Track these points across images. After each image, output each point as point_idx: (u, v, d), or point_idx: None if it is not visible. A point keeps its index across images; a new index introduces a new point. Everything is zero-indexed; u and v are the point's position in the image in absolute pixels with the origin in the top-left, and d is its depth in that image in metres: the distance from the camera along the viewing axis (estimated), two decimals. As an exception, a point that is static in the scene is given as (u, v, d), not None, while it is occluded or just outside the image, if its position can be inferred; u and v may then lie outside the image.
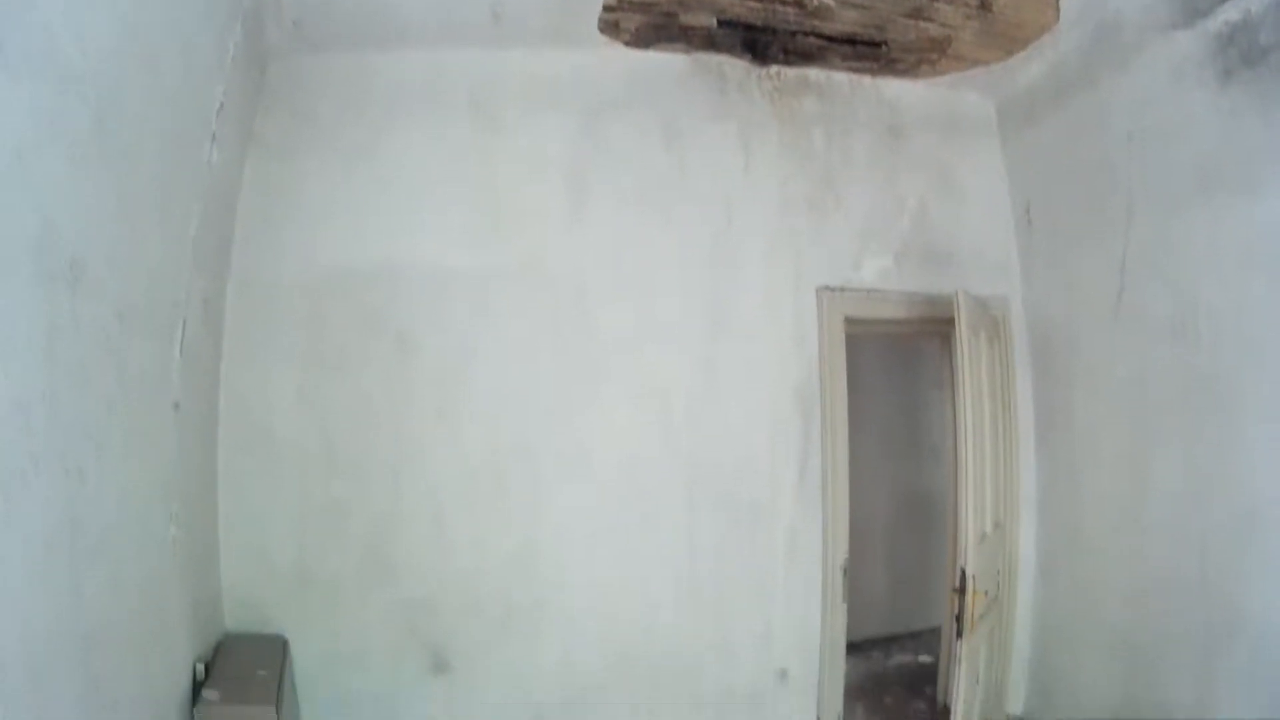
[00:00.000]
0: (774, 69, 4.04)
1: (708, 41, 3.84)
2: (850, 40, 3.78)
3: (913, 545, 5.89)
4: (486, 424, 3.66)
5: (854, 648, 4.64)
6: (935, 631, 5.01)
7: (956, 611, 3.47)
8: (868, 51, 3.89)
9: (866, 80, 4.19)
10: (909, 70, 4.11)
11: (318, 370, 3.52)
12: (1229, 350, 3.14)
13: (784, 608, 3.99)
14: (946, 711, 3.85)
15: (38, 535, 1.79)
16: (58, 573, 1.87)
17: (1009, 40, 3.76)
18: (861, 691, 4.95)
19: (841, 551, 4.03)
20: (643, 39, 3.79)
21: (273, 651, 3.21)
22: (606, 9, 3.50)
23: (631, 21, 3.62)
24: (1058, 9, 3.46)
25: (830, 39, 3.78)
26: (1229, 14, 2.97)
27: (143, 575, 2.43)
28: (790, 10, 3.52)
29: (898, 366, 6.01)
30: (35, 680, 1.73)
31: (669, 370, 3.87)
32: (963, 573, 3.43)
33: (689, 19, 3.61)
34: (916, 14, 3.52)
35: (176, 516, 2.73)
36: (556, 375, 3.73)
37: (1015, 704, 4.26)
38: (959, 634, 3.45)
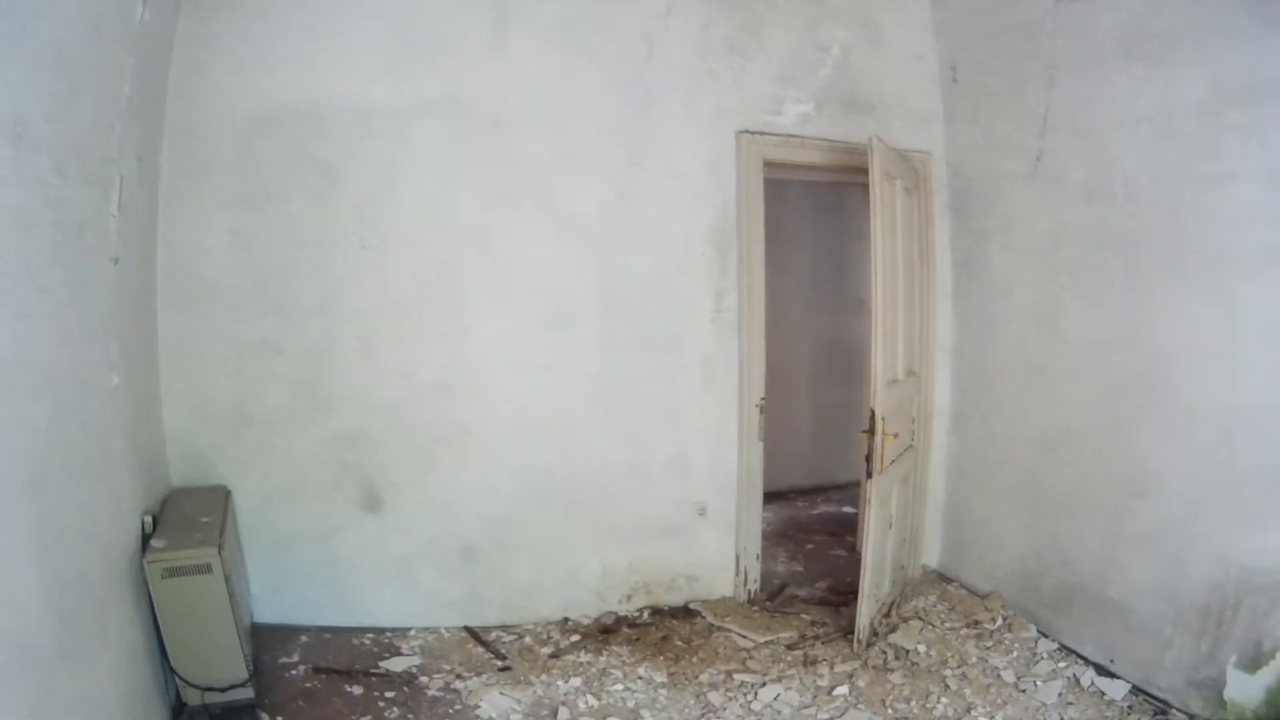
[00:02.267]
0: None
1: None
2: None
3: (838, 398, 5.99)
4: (409, 254, 3.76)
5: (779, 496, 4.94)
6: (859, 484, 5.04)
7: (867, 452, 3.66)
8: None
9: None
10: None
11: (248, 211, 3.58)
12: (1143, 212, 3.30)
13: (699, 439, 4.22)
14: (864, 557, 4.22)
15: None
16: (5, 408, 2.01)
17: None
18: (784, 536, 5.30)
19: (758, 390, 4.25)
20: None
21: (215, 500, 3.40)
22: None
23: None
24: None
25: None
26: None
27: (86, 419, 2.58)
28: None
29: (825, 221, 6.00)
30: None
31: (586, 201, 3.97)
32: (872, 414, 3.60)
33: None
34: None
35: (117, 365, 2.85)
36: (477, 204, 3.81)
37: (930, 556, 4.65)
38: (869, 474, 3.68)
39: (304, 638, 3.68)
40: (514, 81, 3.81)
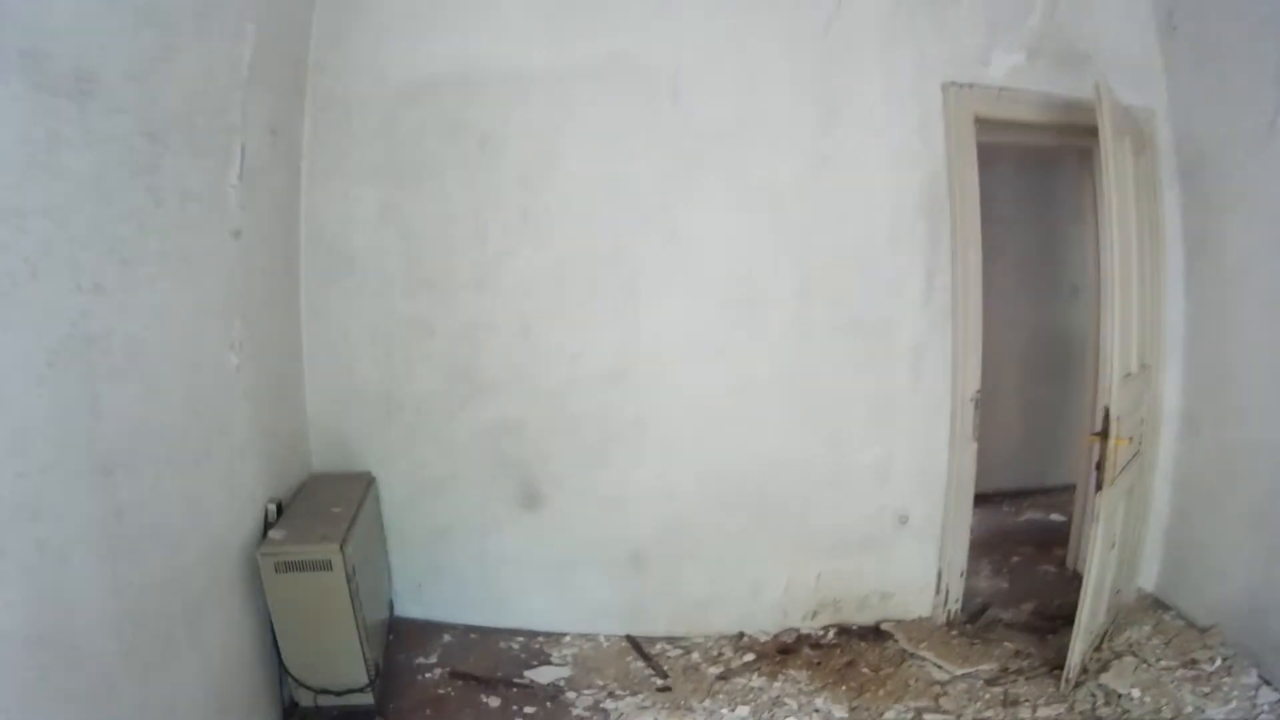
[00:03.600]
0: None
1: None
2: None
3: (1048, 393, 5.27)
4: (578, 226, 3.36)
5: (983, 499, 4.23)
6: (1069, 489, 4.44)
7: (1097, 459, 2.95)
8: None
9: None
10: None
11: (397, 184, 3.36)
12: None
13: (907, 440, 3.58)
14: (1076, 578, 3.46)
15: (38, 345, 1.75)
16: (69, 387, 1.84)
17: None
18: (988, 547, 4.44)
19: (973, 381, 3.56)
20: None
21: (354, 489, 3.24)
22: None
23: None
24: None
25: None
26: None
27: (193, 401, 2.43)
28: None
29: (1033, 200, 5.23)
30: (37, 497, 1.71)
31: (777, 166, 3.40)
32: (1106, 413, 2.93)
33: None
34: None
35: (239, 345, 2.72)
36: (652, 173, 3.35)
37: (1147, 578, 3.77)
38: (1099, 486, 2.98)
39: (447, 637, 3.46)
40: (686, 40, 3.34)
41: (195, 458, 2.41)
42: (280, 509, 2.97)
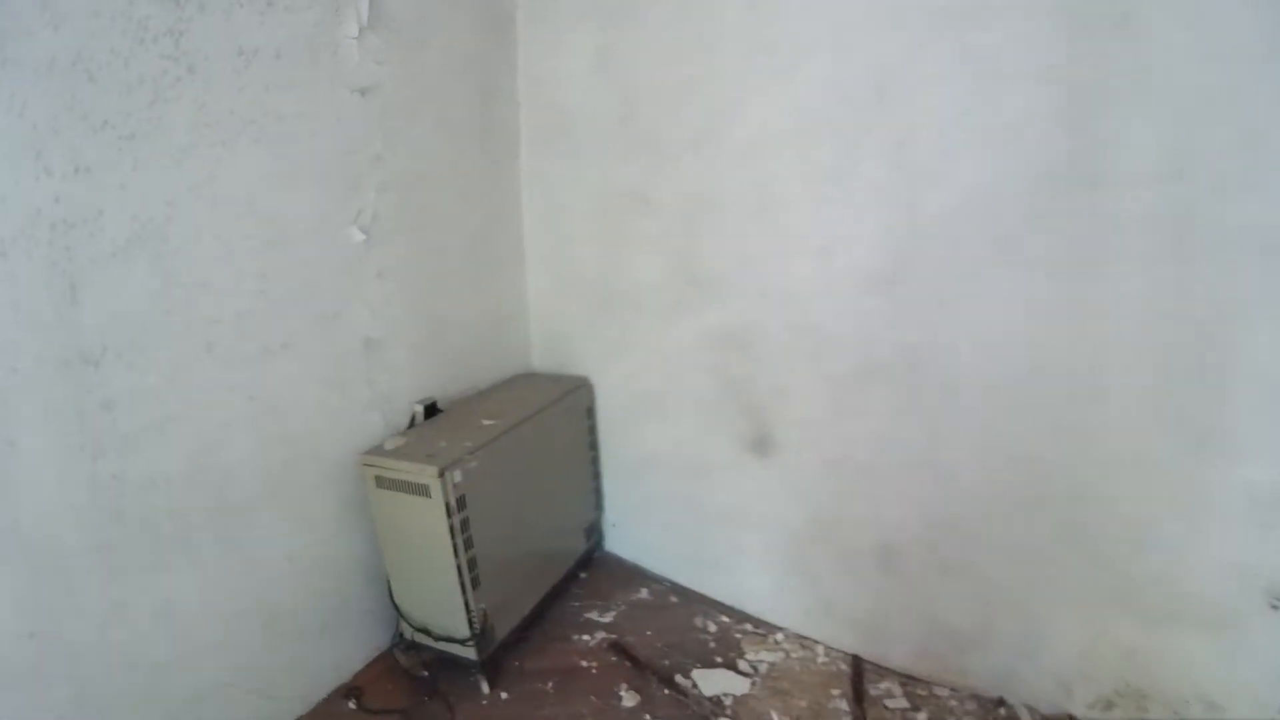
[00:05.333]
0: None
1: None
2: None
3: None
4: (822, 58, 2.15)
5: None
6: None
7: None
8: None
9: None
10: None
11: (610, 21, 2.58)
12: None
13: None
14: None
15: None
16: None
17: None
18: None
19: None
20: None
21: (549, 396, 2.71)
22: None
23: None
24: None
25: None
26: None
27: (287, 278, 2.12)
28: None
29: None
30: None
31: None
32: None
33: None
34: None
35: (373, 218, 2.33)
36: None
37: None
38: None
39: (642, 592, 2.80)
40: None
41: (262, 348, 2.08)
42: (431, 411, 2.59)
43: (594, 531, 2.99)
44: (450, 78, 2.57)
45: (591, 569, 2.93)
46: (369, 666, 2.44)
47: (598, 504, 2.99)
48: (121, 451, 1.76)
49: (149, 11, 1.71)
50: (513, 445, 2.47)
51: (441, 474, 2.17)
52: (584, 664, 2.44)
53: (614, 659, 2.45)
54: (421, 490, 2.19)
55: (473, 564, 2.27)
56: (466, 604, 2.28)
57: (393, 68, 2.34)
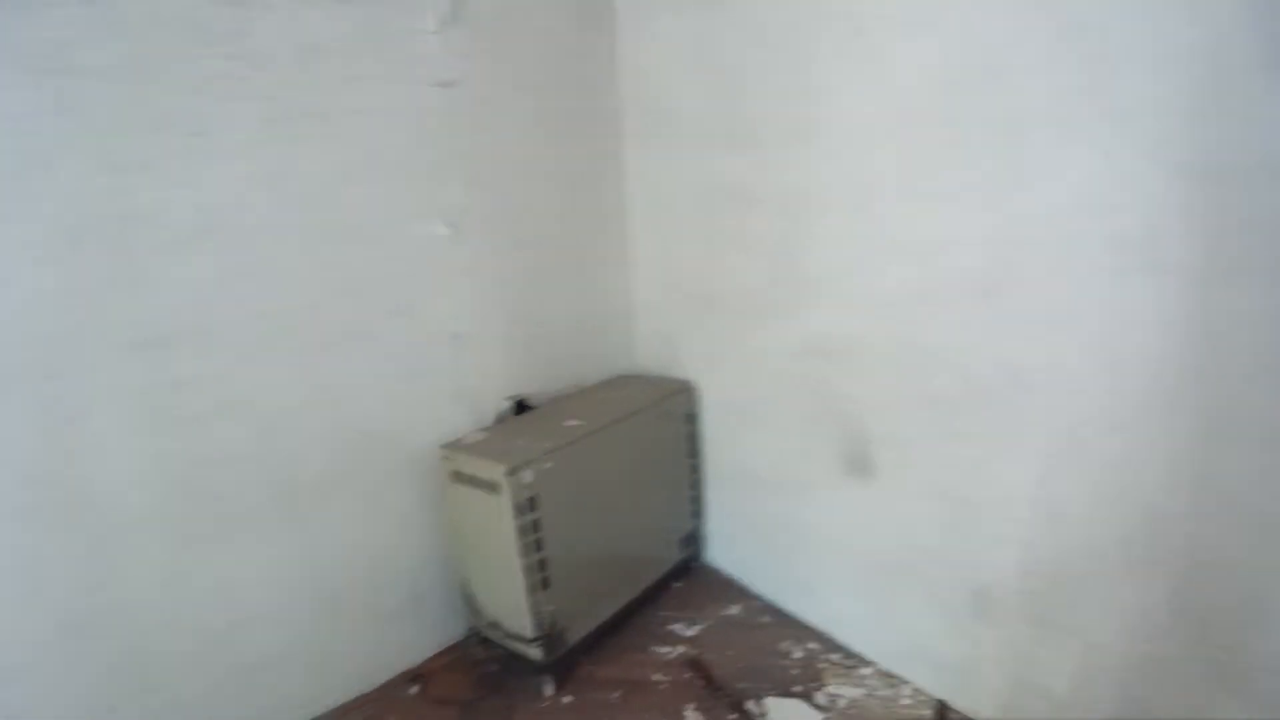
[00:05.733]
0: None
1: None
2: None
3: None
4: (924, 37, 1.89)
5: None
6: None
7: None
8: None
9: None
10: None
11: (705, 6, 2.43)
12: None
13: None
14: None
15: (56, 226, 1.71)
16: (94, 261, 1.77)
17: None
18: None
19: None
20: None
21: (646, 399, 2.64)
22: None
23: None
24: None
25: None
26: None
27: (366, 272, 2.21)
28: None
29: None
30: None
31: None
32: None
33: None
34: None
35: (458, 212, 2.37)
36: None
37: None
38: None
39: (734, 608, 2.64)
40: None
41: (336, 337, 2.16)
42: (521, 408, 2.59)
43: (691, 541, 2.87)
44: (546, 70, 2.56)
45: (687, 579, 2.82)
46: (440, 655, 2.49)
47: (696, 513, 2.87)
48: (189, 429, 1.89)
49: (212, 14, 1.82)
50: (596, 447, 2.42)
51: (512, 473, 2.16)
52: (656, 677, 2.35)
53: (688, 676, 2.34)
54: (492, 487, 2.20)
55: (542, 565, 2.25)
56: (533, 605, 2.26)
57: (478, 61, 2.35)
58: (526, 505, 2.19)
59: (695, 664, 2.38)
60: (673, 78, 2.60)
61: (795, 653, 2.41)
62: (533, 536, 2.22)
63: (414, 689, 2.34)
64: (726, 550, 2.85)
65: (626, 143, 2.82)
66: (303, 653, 2.19)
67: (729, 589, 2.76)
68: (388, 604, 2.38)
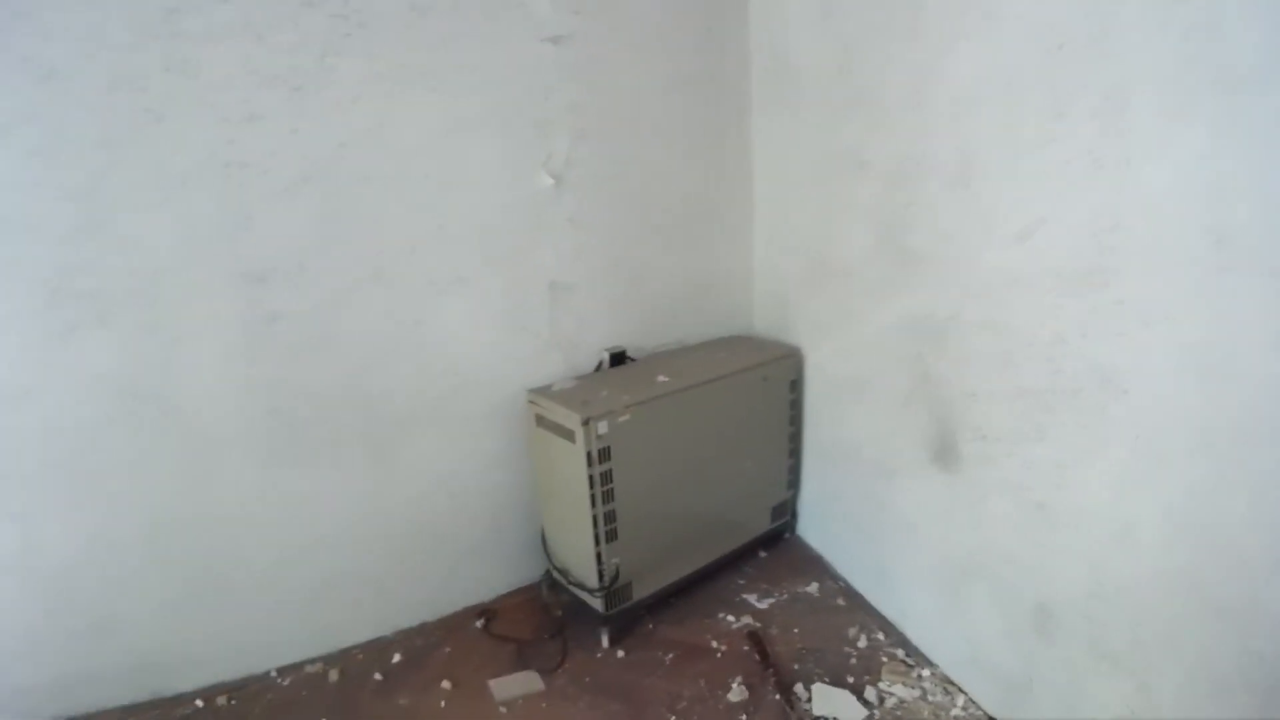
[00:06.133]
0: None
1: None
2: None
3: None
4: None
5: None
6: None
7: None
8: None
9: None
10: None
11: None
12: None
13: None
14: None
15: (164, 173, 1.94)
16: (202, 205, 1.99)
17: None
18: None
19: None
20: None
21: (743, 361, 2.58)
22: None
23: None
24: None
25: None
26: None
27: (473, 218, 2.32)
28: None
29: None
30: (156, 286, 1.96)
31: None
32: None
33: None
34: None
35: (566, 164, 2.41)
36: None
37: None
38: None
39: (812, 585, 2.55)
40: None
41: (432, 281, 2.29)
42: (618, 360, 2.61)
43: (783, 512, 2.79)
44: (668, 27, 2.52)
45: (774, 551, 2.76)
46: (512, 594, 2.62)
47: (793, 484, 2.78)
48: (281, 359, 2.09)
49: None
50: (683, 406, 2.41)
51: (586, 422, 2.20)
52: (714, 644, 2.33)
53: (745, 649, 2.30)
54: (568, 435, 2.25)
55: (610, 517, 2.29)
56: (599, 555, 2.30)
57: (591, 18, 2.36)
58: (599, 455, 2.22)
59: (755, 637, 2.34)
60: (800, 38, 2.48)
61: (860, 641, 2.30)
62: (602, 488, 2.25)
63: (479, 623, 2.48)
64: (817, 526, 2.75)
65: (754, 102, 2.72)
66: (377, 576, 2.39)
67: (813, 565, 2.67)
68: (466, 540, 2.53)
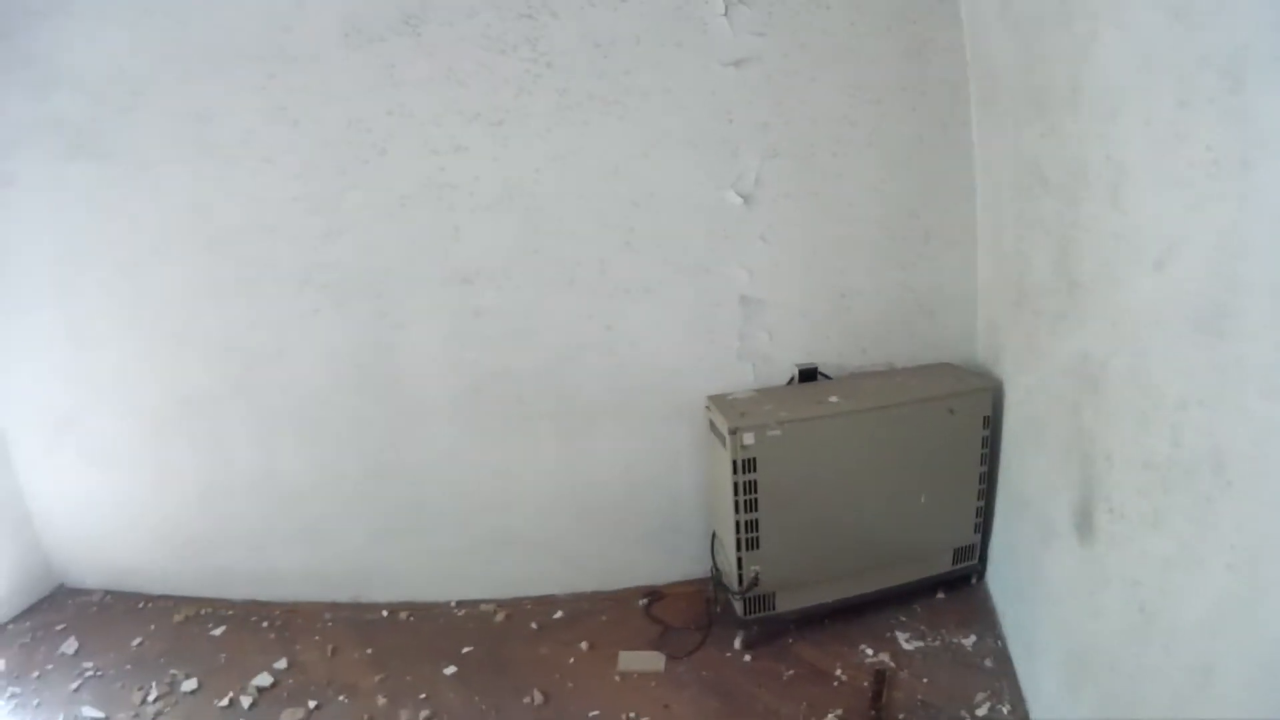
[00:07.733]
0: None
1: None
2: None
3: None
4: None
5: None
6: None
7: None
8: None
9: None
10: None
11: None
12: None
13: None
14: None
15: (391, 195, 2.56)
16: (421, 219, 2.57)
17: None
18: None
19: None
20: None
21: (927, 390, 2.48)
22: None
23: None
24: None
25: None
26: None
27: (625, 236, 2.57)
28: None
29: None
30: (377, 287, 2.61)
31: None
32: None
33: None
34: None
35: (755, 183, 2.54)
36: None
37: None
38: None
39: (969, 639, 2.32)
40: None
41: (623, 289, 2.60)
42: (808, 376, 2.64)
43: (969, 555, 2.53)
44: (863, 37, 2.47)
45: (953, 594, 2.54)
46: (683, 583, 2.82)
47: (980, 528, 2.51)
48: (484, 347, 2.58)
49: (504, 29, 2.37)
50: (846, 429, 2.41)
51: (733, 431, 2.34)
52: (838, 673, 2.30)
53: (864, 684, 2.23)
54: (721, 440, 2.41)
55: (751, 525, 2.39)
56: (739, 560, 2.41)
57: (775, 37, 2.43)
58: (744, 465, 2.34)
59: (880, 676, 2.24)
60: (991, 31, 2.24)
61: (981, 709, 2.08)
62: (745, 496, 2.36)
63: (642, 602, 2.73)
64: (1002, 577, 2.45)
65: (972, 111, 2.50)
66: (556, 541, 2.78)
67: (982, 618, 2.42)
68: (642, 526, 2.80)
